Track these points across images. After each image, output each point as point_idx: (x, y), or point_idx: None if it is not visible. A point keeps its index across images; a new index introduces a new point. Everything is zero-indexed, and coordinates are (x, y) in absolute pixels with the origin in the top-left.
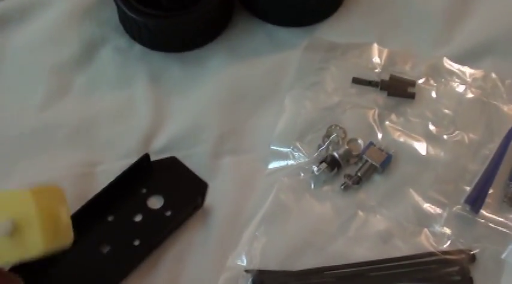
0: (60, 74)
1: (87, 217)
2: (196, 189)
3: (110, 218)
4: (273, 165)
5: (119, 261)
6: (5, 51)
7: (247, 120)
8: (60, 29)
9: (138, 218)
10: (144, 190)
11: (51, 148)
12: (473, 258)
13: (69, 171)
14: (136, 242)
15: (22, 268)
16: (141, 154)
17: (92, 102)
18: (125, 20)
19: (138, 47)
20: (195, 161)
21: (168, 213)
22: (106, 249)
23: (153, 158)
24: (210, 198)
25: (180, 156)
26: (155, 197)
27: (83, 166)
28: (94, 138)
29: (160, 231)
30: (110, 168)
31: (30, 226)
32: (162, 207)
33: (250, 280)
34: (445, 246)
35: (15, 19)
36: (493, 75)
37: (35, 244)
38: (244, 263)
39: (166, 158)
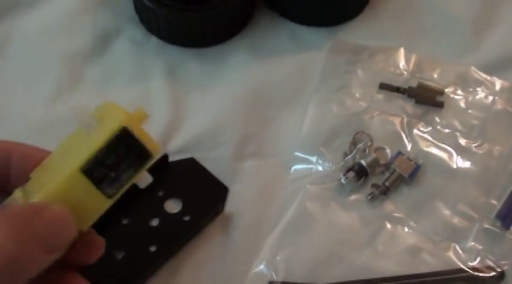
0: (71, 65)
1: (100, 220)
2: (217, 193)
3: (125, 222)
4: (297, 171)
5: (133, 267)
6: (13, 39)
7: (270, 122)
8: (72, 17)
9: (155, 222)
10: (161, 193)
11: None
12: (502, 275)
13: None
14: (153, 248)
15: None
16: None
17: (104, 96)
18: (141, 11)
19: (154, 40)
20: (214, 164)
21: (187, 218)
22: (120, 255)
23: (169, 159)
24: (231, 204)
25: (199, 157)
26: (173, 200)
27: None
28: None
29: (178, 237)
30: None
31: (109, 114)
32: (180, 211)
33: None
34: (474, 262)
35: (24, 4)
36: None
37: (113, 121)
38: (268, 274)
39: (185, 159)
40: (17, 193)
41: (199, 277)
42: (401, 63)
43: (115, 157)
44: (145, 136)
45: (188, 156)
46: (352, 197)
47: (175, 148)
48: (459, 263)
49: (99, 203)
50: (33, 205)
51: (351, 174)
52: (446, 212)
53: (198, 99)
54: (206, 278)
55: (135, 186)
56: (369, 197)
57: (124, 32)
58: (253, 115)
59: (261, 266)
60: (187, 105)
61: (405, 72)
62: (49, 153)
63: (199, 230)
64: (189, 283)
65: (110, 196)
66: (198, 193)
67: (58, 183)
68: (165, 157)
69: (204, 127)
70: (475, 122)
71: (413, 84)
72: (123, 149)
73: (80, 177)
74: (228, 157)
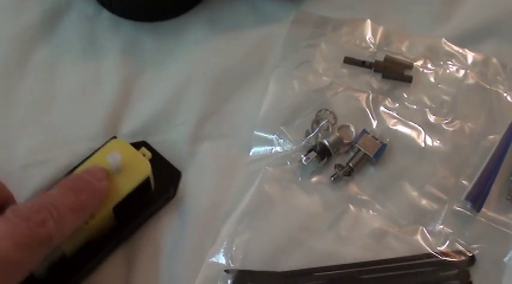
0: (18, 44)
1: None
2: (169, 177)
3: None
4: (256, 152)
5: (82, 254)
6: None
7: (228, 101)
8: None
9: None
10: None
11: (6, 126)
12: (472, 260)
13: (27, 158)
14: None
15: None
16: (109, 136)
17: (53, 77)
18: None
19: (106, 14)
20: (169, 146)
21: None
22: None
23: None
24: (186, 188)
25: (153, 140)
26: None
27: (43, 151)
28: (55, 118)
29: (127, 222)
30: (73, 152)
31: (133, 158)
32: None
33: (230, 281)
34: (443, 246)
35: None
36: (494, 60)
37: (141, 171)
38: (224, 262)
39: (136, 142)
40: None
41: (154, 265)
42: (368, 36)
43: (133, 195)
44: (152, 179)
45: (142, 139)
46: (314, 179)
47: (129, 131)
48: (427, 247)
49: (112, 223)
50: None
51: (313, 154)
52: (414, 193)
53: (152, 78)
54: (161, 266)
55: None
56: (332, 178)
57: (74, 7)
58: (211, 94)
59: (217, 254)
60: (142, 84)
61: (372, 45)
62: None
63: (150, 216)
64: (143, 271)
65: (119, 220)
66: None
67: (98, 216)
68: (114, 139)
69: (157, 108)
70: (445, 98)
71: (381, 57)
72: (139, 189)
73: (110, 213)
74: (184, 139)
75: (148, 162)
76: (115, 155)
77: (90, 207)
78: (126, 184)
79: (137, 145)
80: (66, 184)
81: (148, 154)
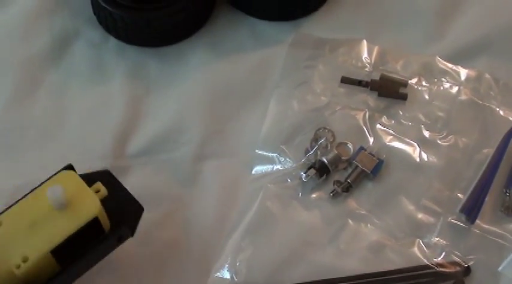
0: (28, 70)
1: None
2: (129, 214)
3: None
4: (258, 170)
5: None
6: None
7: (230, 121)
8: (29, 21)
9: None
10: None
11: (18, 151)
12: (468, 271)
13: (37, 175)
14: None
15: None
16: (117, 156)
17: (63, 101)
18: (99, 12)
19: (113, 41)
20: (174, 165)
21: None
22: None
23: (129, 161)
24: (191, 205)
25: (158, 159)
26: None
27: (54, 170)
28: (65, 139)
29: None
30: (83, 171)
31: (81, 194)
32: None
33: None
34: (439, 258)
35: None
36: (487, 76)
37: (88, 210)
38: (229, 277)
39: (98, 171)
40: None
41: (160, 281)
42: (364, 56)
43: (77, 236)
44: (104, 219)
45: (148, 158)
46: (314, 195)
47: (135, 151)
48: (424, 259)
49: (53, 269)
50: None
51: (312, 171)
52: (410, 207)
53: (157, 100)
54: (166, 281)
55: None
56: (331, 194)
57: (82, 34)
58: (213, 115)
59: (222, 269)
60: (147, 106)
61: (368, 65)
62: None
63: (101, 258)
64: None
65: (64, 265)
66: (108, 212)
67: (31, 260)
68: (70, 167)
69: (162, 128)
70: (439, 114)
71: (376, 76)
72: (87, 230)
73: (49, 256)
74: (188, 158)
75: (97, 200)
76: (56, 189)
77: None
78: (69, 225)
79: (100, 175)
80: None
81: (103, 190)
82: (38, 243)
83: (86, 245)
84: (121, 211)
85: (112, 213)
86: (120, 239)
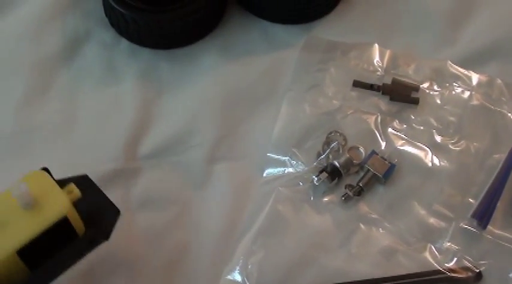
0: (40, 71)
1: None
2: (105, 216)
3: None
4: (270, 173)
5: None
6: None
7: (242, 123)
8: (41, 22)
9: None
10: None
11: (30, 151)
12: (479, 276)
13: None
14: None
15: None
16: (129, 158)
17: (74, 102)
18: (111, 14)
19: (125, 43)
20: (185, 167)
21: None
22: None
23: (141, 164)
24: (202, 208)
25: (170, 161)
26: None
27: (65, 171)
28: (76, 140)
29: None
30: (94, 173)
31: (50, 194)
32: None
33: None
34: (450, 263)
35: None
36: (499, 81)
37: (56, 209)
38: (240, 280)
39: (76, 176)
40: None
41: (172, 282)
42: (376, 60)
43: (47, 238)
44: (77, 221)
45: (159, 160)
46: (326, 199)
47: (146, 153)
48: (435, 264)
49: (23, 274)
50: None
51: (324, 175)
52: (422, 212)
53: (170, 101)
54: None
55: None
56: (343, 198)
57: (94, 36)
58: (226, 117)
59: (233, 272)
60: (159, 108)
61: (379, 69)
62: None
63: (73, 262)
64: None
65: (34, 269)
66: (84, 215)
67: None
68: (46, 170)
69: (175, 130)
70: (451, 118)
71: (388, 80)
72: (57, 232)
73: (15, 258)
74: (200, 160)
75: (67, 200)
76: (21, 186)
77: None
78: (35, 224)
79: (77, 179)
80: None
81: (76, 191)
82: (2, 243)
83: (57, 249)
84: (97, 215)
85: (87, 217)
86: (92, 243)
